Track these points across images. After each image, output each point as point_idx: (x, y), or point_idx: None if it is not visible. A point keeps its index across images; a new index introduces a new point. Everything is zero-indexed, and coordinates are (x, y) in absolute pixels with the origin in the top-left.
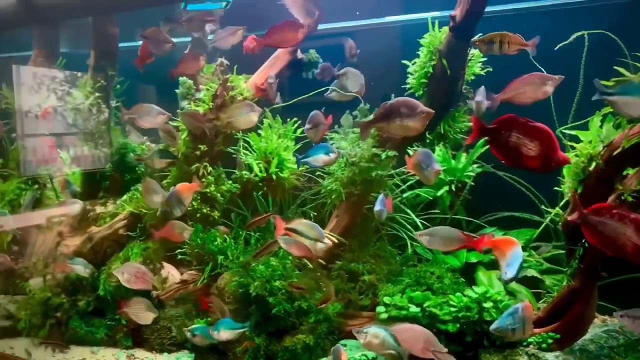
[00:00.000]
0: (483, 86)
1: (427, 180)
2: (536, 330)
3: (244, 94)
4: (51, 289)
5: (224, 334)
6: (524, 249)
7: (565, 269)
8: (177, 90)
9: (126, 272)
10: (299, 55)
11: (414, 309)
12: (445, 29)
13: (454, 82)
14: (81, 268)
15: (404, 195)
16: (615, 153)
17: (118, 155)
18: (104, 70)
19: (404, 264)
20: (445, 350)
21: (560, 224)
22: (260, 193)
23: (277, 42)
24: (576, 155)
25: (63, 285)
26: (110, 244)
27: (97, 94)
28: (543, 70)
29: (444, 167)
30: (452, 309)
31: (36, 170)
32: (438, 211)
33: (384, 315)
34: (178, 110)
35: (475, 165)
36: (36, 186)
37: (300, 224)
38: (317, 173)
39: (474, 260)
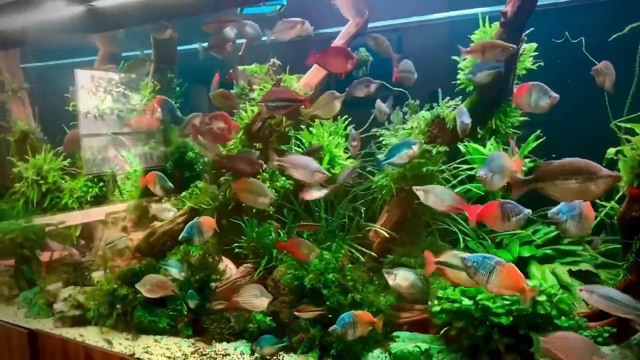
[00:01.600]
0: (463, 106)
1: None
2: (591, 324)
3: None
4: (116, 281)
5: (267, 349)
6: (578, 243)
7: (622, 263)
8: (231, 91)
9: (148, 284)
10: None
11: (466, 301)
12: (496, 24)
13: (505, 77)
14: (176, 272)
15: (455, 190)
16: None
17: (178, 153)
18: (163, 73)
19: None
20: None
21: (616, 217)
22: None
23: (325, 64)
24: (632, 149)
25: (127, 276)
26: (169, 238)
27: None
28: (596, 63)
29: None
30: (505, 302)
31: (99, 168)
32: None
33: (437, 308)
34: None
35: (527, 160)
36: (101, 183)
37: (452, 256)
38: (368, 169)
39: (526, 254)
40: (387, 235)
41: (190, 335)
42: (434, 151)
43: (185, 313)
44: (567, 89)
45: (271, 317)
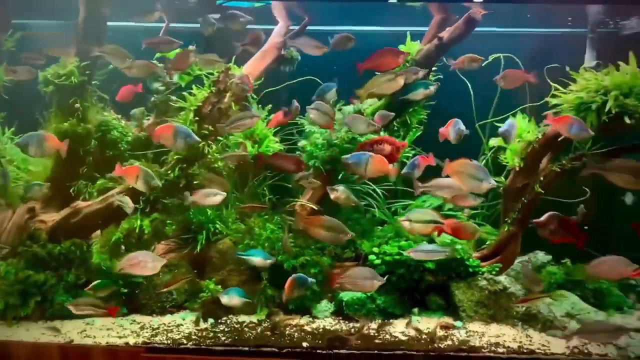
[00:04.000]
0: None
1: (478, 189)
2: (484, 264)
3: None
4: (28, 266)
5: (235, 300)
6: (455, 211)
7: (506, 220)
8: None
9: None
10: (282, 51)
11: (406, 254)
12: (415, 43)
13: None
14: (261, 259)
15: None
16: (544, 141)
17: (100, 132)
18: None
19: (372, 224)
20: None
21: (501, 188)
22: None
23: (377, 66)
24: (519, 141)
25: (45, 261)
26: (99, 218)
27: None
28: (467, 81)
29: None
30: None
31: None
32: (390, 183)
33: (378, 261)
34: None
35: (408, 148)
36: None
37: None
38: (297, 152)
39: None
40: (315, 209)
41: (126, 313)
42: (361, 139)
43: (126, 291)
44: (444, 97)
45: (220, 286)
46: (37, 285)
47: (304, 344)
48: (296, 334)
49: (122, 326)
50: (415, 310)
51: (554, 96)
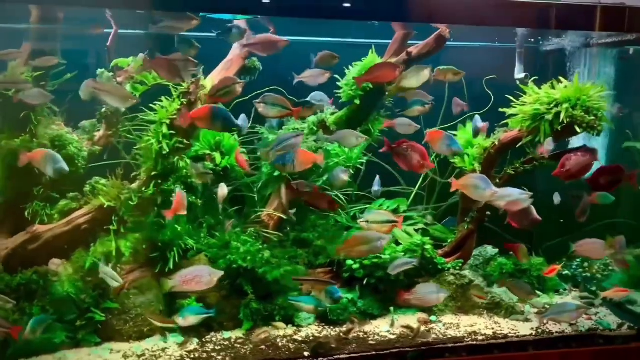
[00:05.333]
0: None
1: (483, 196)
2: (448, 260)
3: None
4: None
5: (191, 319)
6: (407, 211)
7: (466, 219)
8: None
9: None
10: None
11: (385, 256)
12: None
13: (380, 95)
14: (312, 307)
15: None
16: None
17: (54, 148)
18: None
19: (339, 229)
20: None
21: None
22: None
23: (375, 78)
24: (476, 148)
25: (5, 294)
26: (65, 243)
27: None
28: None
29: (343, 157)
30: (400, 254)
31: None
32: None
33: (356, 266)
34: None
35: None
36: None
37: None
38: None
39: None
40: (284, 217)
41: (99, 342)
42: (326, 148)
43: (101, 319)
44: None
45: (202, 305)
46: None
47: (305, 354)
48: (290, 344)
49: (102, 357)
50: (392, 309)
51: (507, 106)
